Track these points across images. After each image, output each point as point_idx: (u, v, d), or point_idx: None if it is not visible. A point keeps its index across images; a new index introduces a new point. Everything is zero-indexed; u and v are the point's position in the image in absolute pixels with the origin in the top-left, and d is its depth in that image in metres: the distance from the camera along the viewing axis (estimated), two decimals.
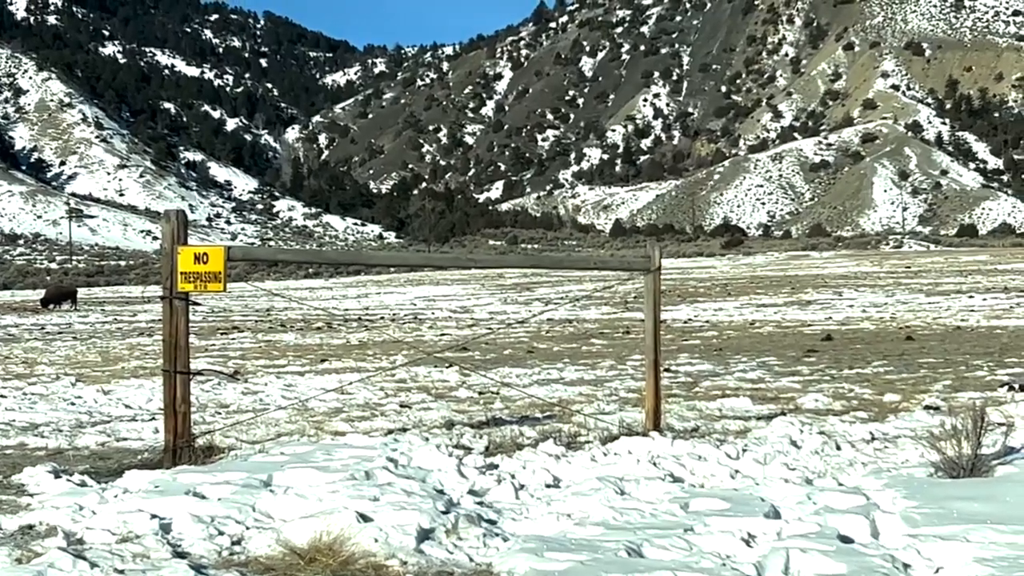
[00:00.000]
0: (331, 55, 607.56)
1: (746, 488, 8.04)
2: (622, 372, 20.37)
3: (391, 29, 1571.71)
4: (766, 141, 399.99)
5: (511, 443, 10.52)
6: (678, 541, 6.40)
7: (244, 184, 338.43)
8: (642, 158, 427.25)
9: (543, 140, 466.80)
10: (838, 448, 9.59)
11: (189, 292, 9.73)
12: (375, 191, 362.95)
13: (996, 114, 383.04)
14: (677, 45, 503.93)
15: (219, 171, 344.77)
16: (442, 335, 35.29)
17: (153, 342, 33.06)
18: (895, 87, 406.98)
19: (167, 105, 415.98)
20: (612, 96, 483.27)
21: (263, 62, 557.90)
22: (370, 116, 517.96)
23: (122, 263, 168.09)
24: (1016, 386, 14.70)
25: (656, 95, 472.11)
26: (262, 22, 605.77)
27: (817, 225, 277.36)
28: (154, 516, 6.98)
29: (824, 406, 13.84)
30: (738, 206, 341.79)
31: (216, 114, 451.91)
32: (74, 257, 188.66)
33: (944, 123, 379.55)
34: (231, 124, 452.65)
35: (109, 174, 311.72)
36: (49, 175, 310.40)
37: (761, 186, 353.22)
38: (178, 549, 6.43)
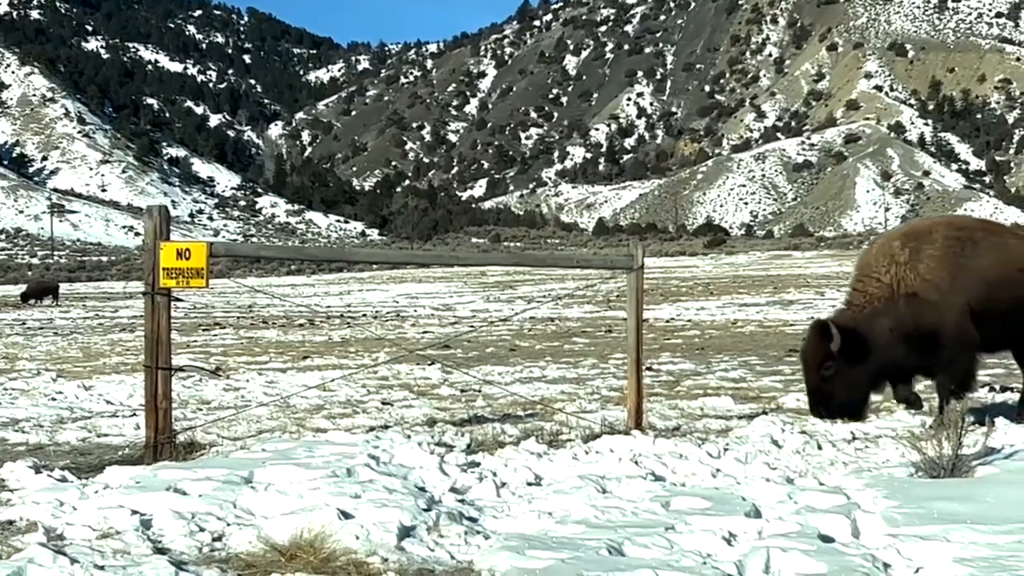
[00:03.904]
0: (315, 52, 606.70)
1: (727, 487, 8.05)
2: (604, 371, 20.38)
3: (375, 26, 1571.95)
4: (749, 141, 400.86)
5: (493, 441, 10.52)
6: (659, 539, 6.41)
7: (227, 180, 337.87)
8: (625, 157, 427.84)
9: (526, 138, 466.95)
10: (819, 447, 9.61)
11: (171, 288, 9.71)
12: (358, 188, 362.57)
13: (979, 115, 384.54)
14: (661, 44, 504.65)
15: (202, 167, 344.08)
16: (424, 333, 35.28)
17: (135, 338, 32.99)
18: (878, 88, 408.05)
19: (150, 101, 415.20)
20: (596, 95, 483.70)
21: (246, 58, 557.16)
22: (353, 113, 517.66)
23: (104, 259, 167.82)
24: (997, 387, 14.75)
25: (640, 94, 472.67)
26: (246, 18, 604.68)
27: (799, 225, 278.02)
28: (135, 512, 6.97)
29: (806, 405, 13.85)
30: (721, 206, 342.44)
31: (199, 110, 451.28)
32: (56, 252, 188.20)
33: (927, 124, 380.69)
34: (214, 120, 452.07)
35: (91, 169, 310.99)
36: (31, 170, 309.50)
37: (744, 186, 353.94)
38: (159, 545, 6.42)
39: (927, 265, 11.20)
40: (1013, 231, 12.53)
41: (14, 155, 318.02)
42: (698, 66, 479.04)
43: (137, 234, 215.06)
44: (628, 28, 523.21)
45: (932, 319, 11.13)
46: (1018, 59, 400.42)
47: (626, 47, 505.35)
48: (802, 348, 11.71)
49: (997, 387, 14.70)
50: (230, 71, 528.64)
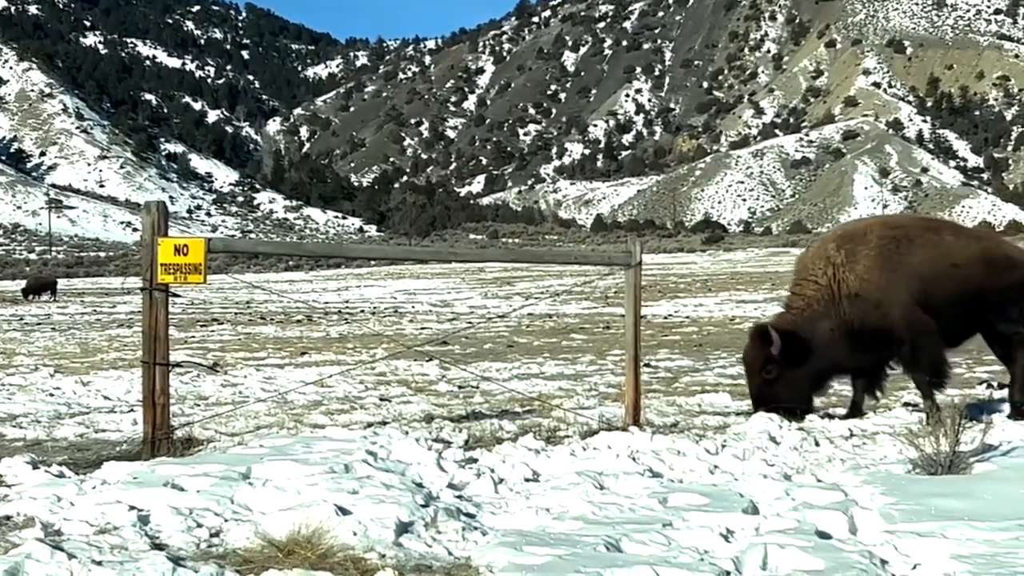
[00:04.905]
0: (313, 47, 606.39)
1: (725, 483, 8.05)
2: (602, 367, 20.38)
3: (373, 22, 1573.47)
4: (747, 137, 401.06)
5: (491, 437, 10.51)
6: (657, 536, 6.40)
7: (225, 176, 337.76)
8: (624, 153, 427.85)
9: (525, 134, 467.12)
10: (817, 444, 9.62)
11: (169, 284, 9.70)
12: (356, 184, 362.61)
13: (977, 112, 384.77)
14: (659, 41, 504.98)
15: (200, 163, 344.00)
16: (422, 329, 35.28)
17: (132, 333, 32.99)
18: (876, 85, 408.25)
19: (148, 96, 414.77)
20: (594, 91, 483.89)
21: (245, 54, 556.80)
22: (352, 109, 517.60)
23: (102, 254, 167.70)
24: (995, 384, 14.76)
25: (638, 90, 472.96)
26: (244, 14, 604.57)
27: (798, 222, 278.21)
28: (132, 508, 6.96)
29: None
30: (719, 202, 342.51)
31: (197, 106, 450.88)
32: (53, 248, 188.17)
33: (925, 121, 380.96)
34: (212, 116, 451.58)
35: (89, 165, 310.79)
36: (29, 165, 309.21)
37: (742, 182, 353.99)
38: (156, 541, 6.41)
39: (864, 265, 11.38)
40: (955, 229, 12.60)
41: (12, 150, 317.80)
42: (696, 62, 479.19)
43: (135, 230, 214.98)
44: (627, 24, 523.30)
45: (878, 317, 11.28)
46: (1016, 56, 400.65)
47: (624, 43, 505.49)
48: (743, 353, 11.82)
49: (995, 384, 14.72)
50: (228, 67, 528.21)
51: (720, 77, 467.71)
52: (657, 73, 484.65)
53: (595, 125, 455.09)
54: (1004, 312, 11.82)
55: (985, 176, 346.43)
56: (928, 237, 11.79)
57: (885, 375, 12.04)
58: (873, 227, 12.00)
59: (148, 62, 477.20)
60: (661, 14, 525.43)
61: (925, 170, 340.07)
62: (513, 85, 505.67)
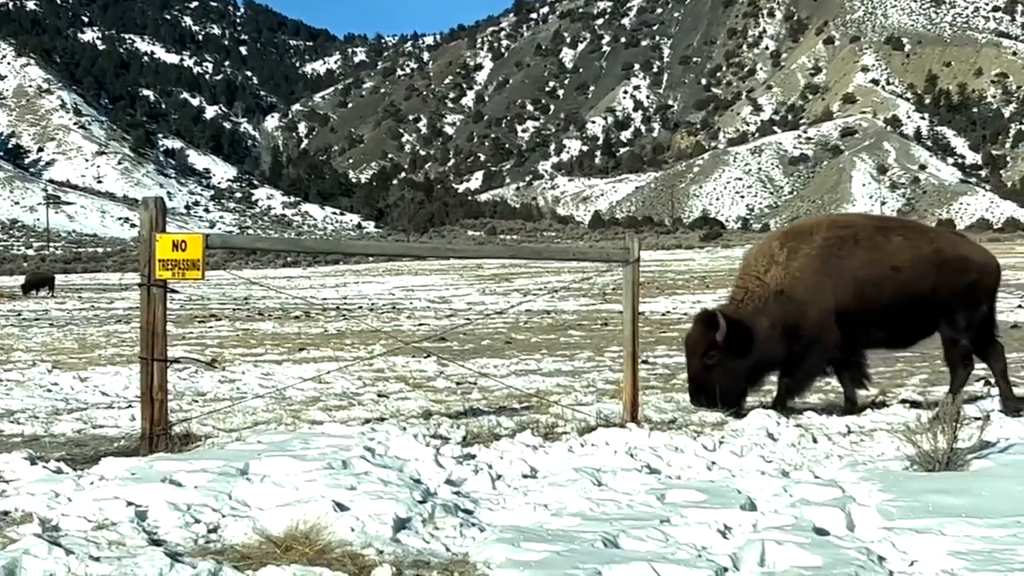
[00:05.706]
0: (311, 43, 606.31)
1: (722, 480, 8.05)
2: (600, 363, 20.38)
3: (372, 18, 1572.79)
4: (746, 134, 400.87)
5: (488, 433, 10.50)
6: (654, 532, 6.40)
7: (223, 172, 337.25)
8: (622, 150, 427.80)
9: (523, 131, 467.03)
10: (815, 441, 9.62)
11: (167, 280, 9.70)
12: (354, 180, 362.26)
13: (975, 109, 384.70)
14: (658, 37, 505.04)
15: (198, 159, 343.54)
16: (420, 325, 35.26)
17: (130, 329, 32.96)
18: (875, 81, 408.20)
19: (146, 92, 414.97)
20: (592, 88, 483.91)
21: (243, 50, 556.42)
22: (350, 105, 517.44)
23: (100, 250, 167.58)
24: (992, 381, 14.75)
25: (636, 87, 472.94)
26: (242, 9, 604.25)
27: (795, 219, 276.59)
28: (130, 503, 6.95)
29: (801, 400, 13.86)
30: (717, 199, 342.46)
31: (195, 102, 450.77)
32: (51, 244, 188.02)
33: (923, 118, 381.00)
34: (210, 112, 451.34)
35: (87, 161, 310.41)
36: (27, 161, 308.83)
37: (740, 179, 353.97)
38: (154, 537, 6.40)
39: (800, 264, 11.55)
40: (909, 229, 12.56)
41: (10, 146, 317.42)
42: (695, 59, 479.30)
43: (133, 226, 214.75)
44: (625, 21, 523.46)
45: (797, 316, 11.39)
46: (1015, 53, 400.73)
47: (623, 40, 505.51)
48: (686, 336, 11.89)
49: (992, 381, 14.71)
50: (226, 63, 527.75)
51: (718, 74, 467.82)
52: (655, 70, 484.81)
53: (593, 122, 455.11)
54: (950, 316, 11.87)
55: (983, 173, 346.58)
56: (875, 239, 11.85)
57: (864, 364, 12.13)
58: (821, 226, 12.09)
59: (146, 58, 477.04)
60: (659, 11, 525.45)
61: (923, 167, 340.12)
62: (511, 82, 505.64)
